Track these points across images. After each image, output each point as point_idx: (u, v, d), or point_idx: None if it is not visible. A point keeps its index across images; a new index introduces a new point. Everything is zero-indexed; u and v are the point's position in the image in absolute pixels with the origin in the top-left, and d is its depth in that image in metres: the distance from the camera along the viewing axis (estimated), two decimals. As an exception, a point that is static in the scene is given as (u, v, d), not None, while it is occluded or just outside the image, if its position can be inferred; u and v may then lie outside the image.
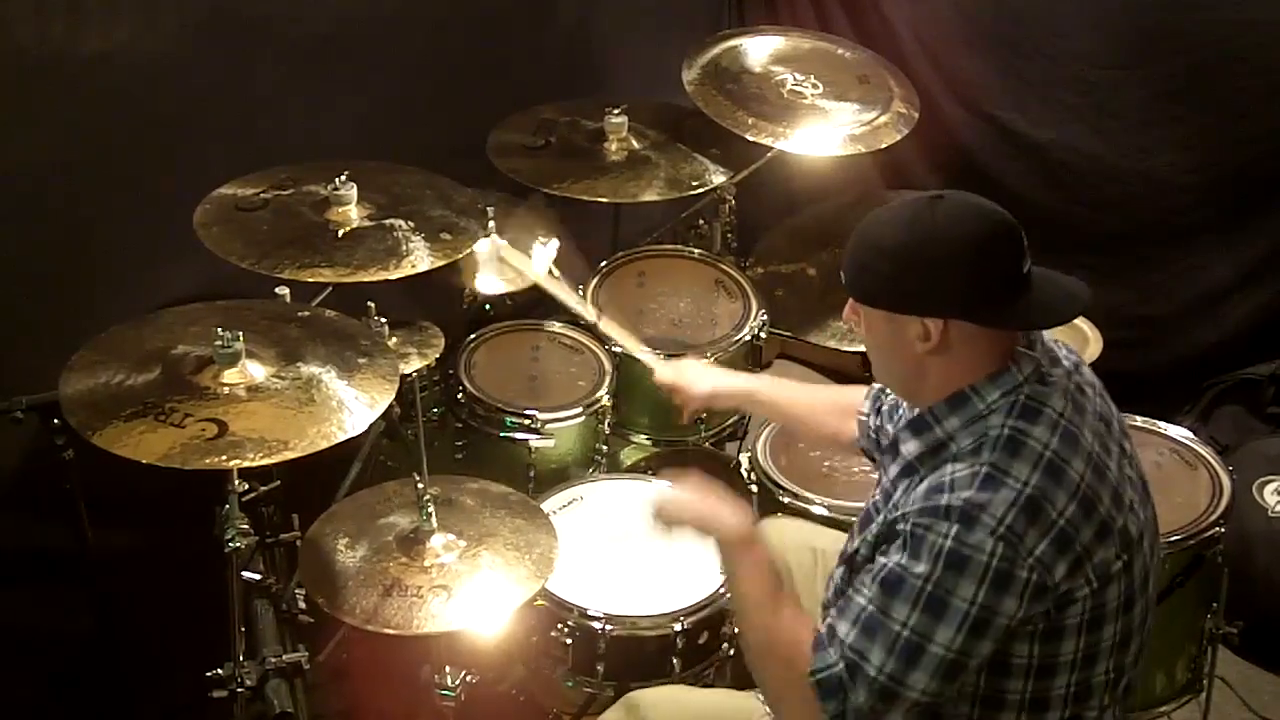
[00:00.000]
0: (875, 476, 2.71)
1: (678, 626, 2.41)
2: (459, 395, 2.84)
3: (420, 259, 2.52)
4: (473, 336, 2.98)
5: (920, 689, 1.70)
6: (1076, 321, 3.00)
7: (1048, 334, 1.90)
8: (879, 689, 1.71)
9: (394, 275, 2.49)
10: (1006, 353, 1.79)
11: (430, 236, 2.57)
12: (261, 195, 2.64)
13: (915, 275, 1.75)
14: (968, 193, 1.81)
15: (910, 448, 1.84)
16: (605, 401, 2.86)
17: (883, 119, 3.13)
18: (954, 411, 1.79)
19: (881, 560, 1.75)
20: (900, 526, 1.74)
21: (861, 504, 2.59)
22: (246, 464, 2.04)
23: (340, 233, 2.56)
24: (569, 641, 2.42)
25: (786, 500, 2.67)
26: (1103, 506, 1.74)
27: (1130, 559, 1.77)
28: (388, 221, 2.60)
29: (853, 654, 1.73)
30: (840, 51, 3.39)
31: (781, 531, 2.51)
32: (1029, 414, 1.75)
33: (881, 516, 1.85)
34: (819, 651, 1.77)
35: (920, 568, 1.69)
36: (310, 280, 2.48)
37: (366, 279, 2.47)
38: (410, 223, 2.60)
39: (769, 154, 3.15)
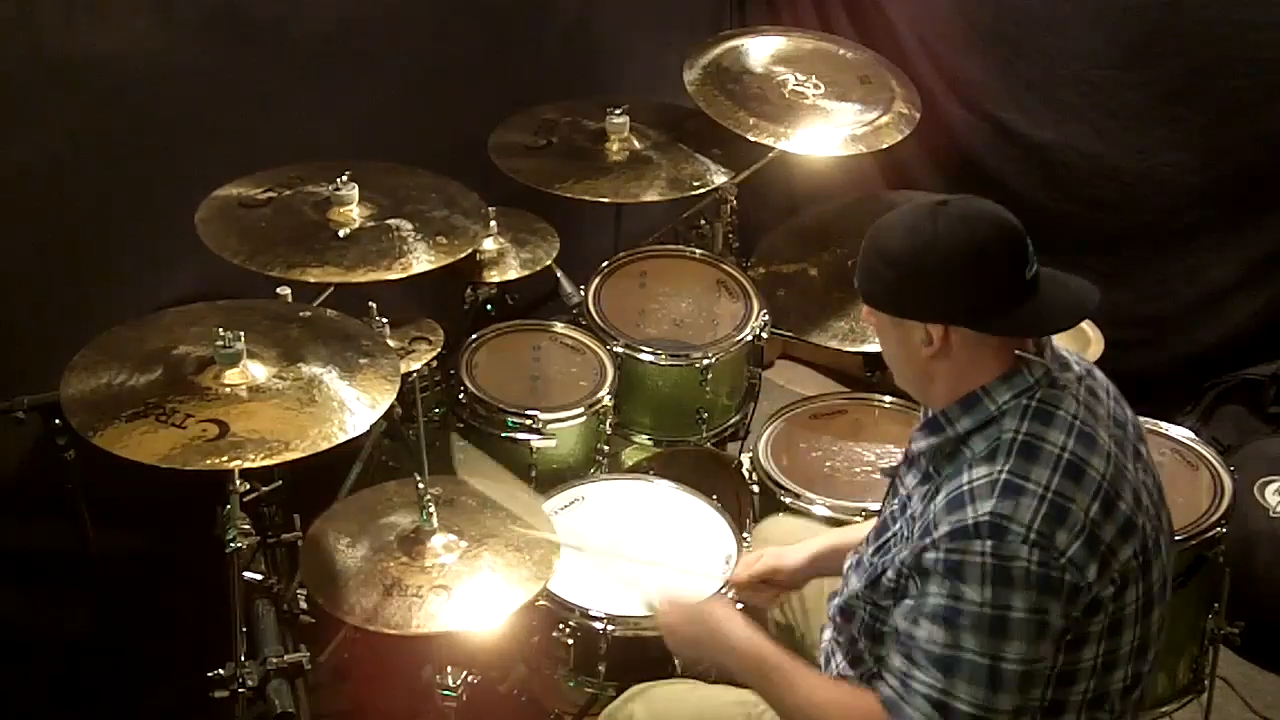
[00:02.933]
0: (876, 477, 2.73)
1: (679, 627, 2.40)
2: (460, 395, 2.83)
3: (420, 259, 2.53)
4: (474, 336, 2.97)
5: (1009, 708, 1.70)
6: (1077, 321, 3.00)
7: (1054, 339, 1.90)
8: None
9: (393, 276, 2.49)
10: (1013, 357, 1.79)
11: (431, 236, 2.58)
12: (265, 194, 2.64)
13: (915, 283, 1.76)
14: (974, 198, 1.80)
15: (921, 445, 1.84)
16: (606, 401, 2.85)
17: (884, 119, 3.13)
18: (966, 413, 1.79)
19: (926, 598, 1.73)
20: (931, 555, 1.72)
21: (862, 505, 2.61)
22: (248, 465, 2.04)
23: (341, 233, 2.56)
24: (571, 642, 2.42)
25: (788, 501, 2.66)
26: (1124, 504, 1.74)
27: (1148, 561, 1.77)
28: (389, 222, 2.61)
29: (941, 695, 1.72)
30: (842, 52, 3.39)
31: (784, 532, 2.50)
32: (1042, 418, 1.75)
33: (898, 527, 1.84)
34: (896, 713, 1.76)
35: (972, 594, 1.68)
36: (311, 280, 2.49)
37: (363, 279, 2.47)
38: (412, 224, 2.61)
39: (770, 154, 3.14)
